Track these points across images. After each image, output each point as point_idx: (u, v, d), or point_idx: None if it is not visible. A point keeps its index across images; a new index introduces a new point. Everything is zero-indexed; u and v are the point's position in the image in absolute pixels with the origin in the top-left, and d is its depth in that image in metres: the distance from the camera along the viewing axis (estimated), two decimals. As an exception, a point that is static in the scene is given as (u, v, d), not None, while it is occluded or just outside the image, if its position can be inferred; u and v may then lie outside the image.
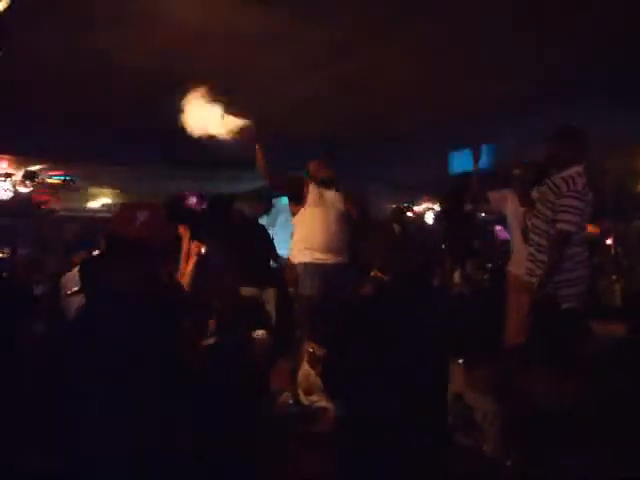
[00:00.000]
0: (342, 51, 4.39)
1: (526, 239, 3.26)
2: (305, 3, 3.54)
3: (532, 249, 3.06)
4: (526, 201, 3.28)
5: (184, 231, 3.68)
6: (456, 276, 5.21)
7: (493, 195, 3.74)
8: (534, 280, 2.97)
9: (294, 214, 3.76)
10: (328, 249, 3.59)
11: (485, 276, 5.38)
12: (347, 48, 4.32)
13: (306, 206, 3.66)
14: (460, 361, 2.07)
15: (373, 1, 3.59)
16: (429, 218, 8.62)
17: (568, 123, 3.15)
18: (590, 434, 1.88)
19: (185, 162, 7.65)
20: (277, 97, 5.43)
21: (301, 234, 3.69)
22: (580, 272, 2.94)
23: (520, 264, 3.32)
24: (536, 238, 3.04)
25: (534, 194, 3.17)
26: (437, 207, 8.21)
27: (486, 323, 3.36)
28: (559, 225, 2.86)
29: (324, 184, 3.70)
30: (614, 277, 5.34)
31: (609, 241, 5.26)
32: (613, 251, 5.23)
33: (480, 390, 1.93)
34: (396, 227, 5.59)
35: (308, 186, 3.68)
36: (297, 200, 3.71)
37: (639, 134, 4.21)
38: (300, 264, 3.61)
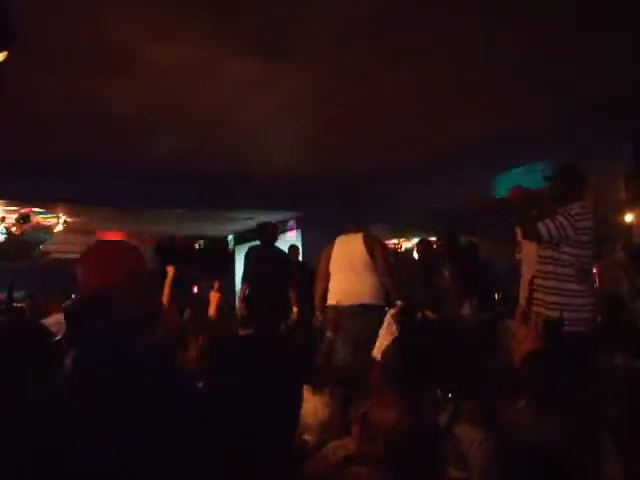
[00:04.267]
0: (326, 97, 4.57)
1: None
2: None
3: (539, 280, 3.18)
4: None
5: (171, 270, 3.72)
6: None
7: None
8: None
9: None
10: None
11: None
12: (338, 89, 4.48)
13: None
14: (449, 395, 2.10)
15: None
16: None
17: (569, 161, 3.31)
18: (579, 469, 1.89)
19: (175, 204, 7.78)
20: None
21: None
22: (585, 300, 3.06)
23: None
24: (540, 266, 3.17)
25: None
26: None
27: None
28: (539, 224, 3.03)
29: None
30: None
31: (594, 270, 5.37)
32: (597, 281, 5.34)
33: (468, 422, 1.96)
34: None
35: None
36: None
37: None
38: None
